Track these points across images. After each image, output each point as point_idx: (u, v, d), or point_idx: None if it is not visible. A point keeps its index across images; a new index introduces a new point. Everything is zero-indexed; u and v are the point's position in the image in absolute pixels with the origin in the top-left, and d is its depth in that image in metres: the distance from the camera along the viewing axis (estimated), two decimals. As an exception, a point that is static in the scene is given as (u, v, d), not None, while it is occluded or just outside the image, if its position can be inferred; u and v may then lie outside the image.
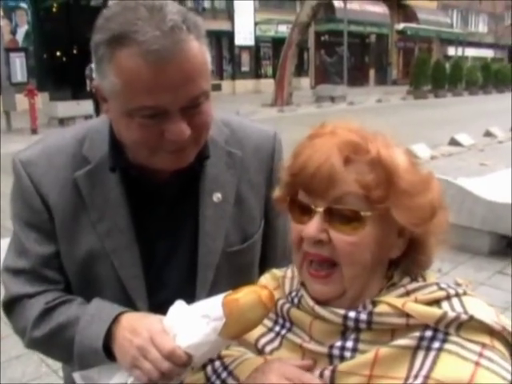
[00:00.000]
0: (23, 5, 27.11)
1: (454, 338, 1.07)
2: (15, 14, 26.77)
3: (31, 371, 4.22)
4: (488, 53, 63.86)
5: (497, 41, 64.26)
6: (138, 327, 1.27)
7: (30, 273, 1.46)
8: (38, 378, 4.14)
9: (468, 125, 19.31)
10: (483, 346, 1.05)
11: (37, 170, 1.45)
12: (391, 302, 1.13)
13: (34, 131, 16.80)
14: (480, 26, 65.48)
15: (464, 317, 1.07)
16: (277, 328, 1.30)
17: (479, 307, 1.12)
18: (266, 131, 1.65)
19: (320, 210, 1.15)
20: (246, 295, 1.18)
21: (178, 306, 1.25)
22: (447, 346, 1.07)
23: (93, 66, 1.32)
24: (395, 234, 1.17)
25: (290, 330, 1.27)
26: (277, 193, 1.27)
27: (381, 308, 1.13)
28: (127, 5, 1.26)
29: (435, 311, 1.09)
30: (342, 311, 1.16)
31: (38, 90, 20.17)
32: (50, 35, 27.40)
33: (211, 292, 1.49)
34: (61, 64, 27.93)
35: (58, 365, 4.16)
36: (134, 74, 1.22)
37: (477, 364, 1.03)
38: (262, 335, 1.30)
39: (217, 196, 1.50)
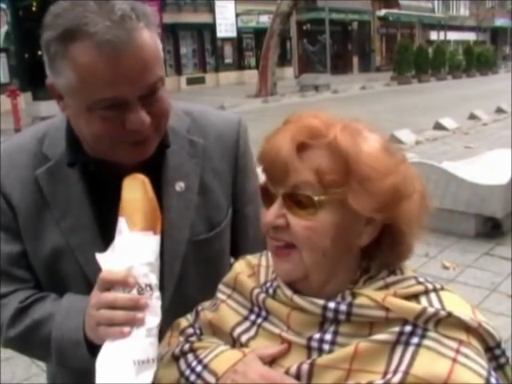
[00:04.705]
0: (2, 5, 26.89)
1: (432, 334, 1.07)
2: (-6, 15, 26.58)
3: (21, 372, 4.21)
4: (470, 36, 64.06)
5: (479, 24, 64.46)
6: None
7: (0, 273, 1.46)
8: (28, 379, 4.14)
9: (452, 108, 19.41)
10: (460, 342, 1.06)
11: None
12: (371, 295, 1.12)
13: (17, 132, 16.68)
14: (461, 10, 65.62)
15: (443, 313, 1.07)
16: (252, 317, 1.29)
17: (456, 303, 1.13)
18: (230, 118, 1.65)
19: (279, 196, 1.16)
20: (127, 186, 1.28)
21: (102, 256, 1.26)
22: (426, 341, 1.07)
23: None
24: (362, 220, 1.15)
25: (266, 318, 1.26)
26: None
27: (361, 300, 1.13)
28: (76, 1, 1.24)
29: (415, 307, 1.09)
30: (321, 302, 1.15)
31: (21, 90, 20.07)
32: (31, 34, 27.02)
33: (179, 283, 1.50)
34: (43, 63, 27.55)
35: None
36: (89, 67, 1.21)
37: (454, 360, 1.03)
38: (238, 324, 1.29)
39: (180, 185, 1.49)
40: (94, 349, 1.28)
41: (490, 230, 6.83)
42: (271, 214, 1.17)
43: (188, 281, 1.52)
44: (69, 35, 1.21)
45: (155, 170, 1.46)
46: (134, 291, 1.19)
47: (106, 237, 1.41)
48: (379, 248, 1.19)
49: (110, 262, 1.22)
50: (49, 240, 1.45)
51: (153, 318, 1.20)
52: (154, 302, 1.21)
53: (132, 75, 1.23)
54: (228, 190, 1.59)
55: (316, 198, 1.12)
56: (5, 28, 27.15)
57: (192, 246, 1.51)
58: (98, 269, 1.23)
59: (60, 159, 1.44)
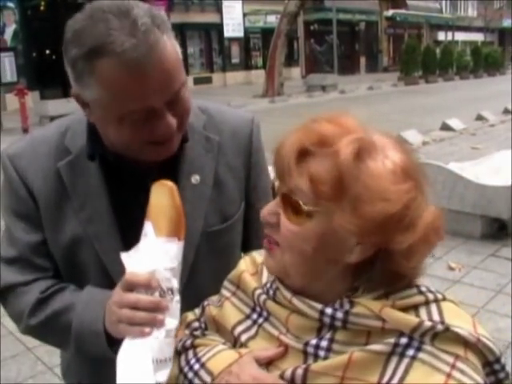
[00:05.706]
0: (10, 4, 26.95)
1: (428, 348, 1.06)
2: (2, 14, 26.54)
3: (26, 370, 4.24)
4: (478, 37, 63.83)
5: (486, 24, 64.21)
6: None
7: (20, 261, 1.53)
8: (33, 377, 4.16)
9: (459, 109, 19.39)
10: (456, 357, 1.04)
11: (22, 161, 1.53)
12: (369, 305, 1.11)
13: (25, 130, 16.73)
14: (469, 10, 65.43)
15: (440, 327, 1.06)
16: (254, 316, 1.30)
17: (457, 315, 1.11)
18: (244, 115, 1.71)
19: (279, 193, 1.17)
20: (155, 192, 1.31)
21: (127, 256, 1.29)
22: (421, 355, 1.06)
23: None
24: (352, 238, 1.10)
25: (266, 319, 1.27)
26: None
27: (358, 309, 1.12)
28: (94, 15, 1.28)
29: (411, 320, 1.08)
30: (319, 306, 1.15)
31: (29, 88, 20.09)
32: (39, 34, 27.17)
33: (192, 273, 1.53)
34: (50, 62, 27.63)
35: (53, 362, 4.20)
36: (118, 83, 1.27)
37: (448, 376, 1.02)
38: (239, 322, 1.30)
39: (195, 178, 1.55)
40: (111, 339, 1.34)
41: (496, 231, 6.82)
42: (266, 210, 1.19)
43: (200, 271, 1.56)
44: (95, 53, 1.26)
45: (172, 163, 1.52)
46: (156, 294, 1.24)
47: (122, 226, 1.50)
48: (370, 271, 1.14)
49: (134, 263, 1.26)
50: (68, 229, 1.51)
51: (172, 320, 1.24)
52: (174, 305, 1.25)
53: (159, 87, 1.30)
54: (241, 184, 1.64)
55: (306, 208, 1.10)
56: (13, 27, 27.20)
57: (205, 237, 1.56)
58: (122, 269, 1.28)
59: (80, 152, 1.50)
